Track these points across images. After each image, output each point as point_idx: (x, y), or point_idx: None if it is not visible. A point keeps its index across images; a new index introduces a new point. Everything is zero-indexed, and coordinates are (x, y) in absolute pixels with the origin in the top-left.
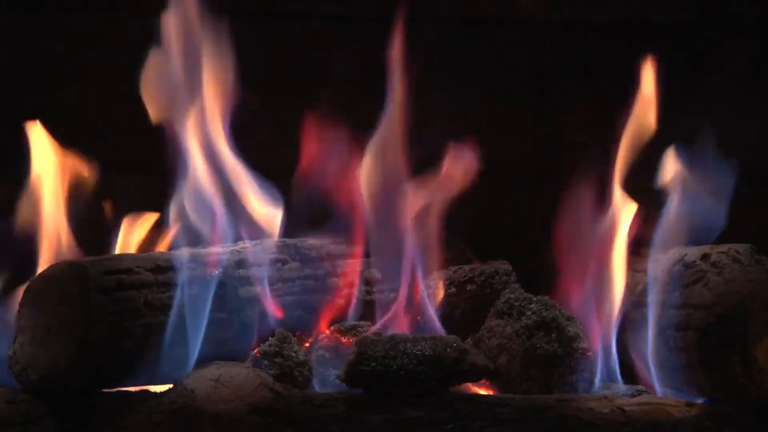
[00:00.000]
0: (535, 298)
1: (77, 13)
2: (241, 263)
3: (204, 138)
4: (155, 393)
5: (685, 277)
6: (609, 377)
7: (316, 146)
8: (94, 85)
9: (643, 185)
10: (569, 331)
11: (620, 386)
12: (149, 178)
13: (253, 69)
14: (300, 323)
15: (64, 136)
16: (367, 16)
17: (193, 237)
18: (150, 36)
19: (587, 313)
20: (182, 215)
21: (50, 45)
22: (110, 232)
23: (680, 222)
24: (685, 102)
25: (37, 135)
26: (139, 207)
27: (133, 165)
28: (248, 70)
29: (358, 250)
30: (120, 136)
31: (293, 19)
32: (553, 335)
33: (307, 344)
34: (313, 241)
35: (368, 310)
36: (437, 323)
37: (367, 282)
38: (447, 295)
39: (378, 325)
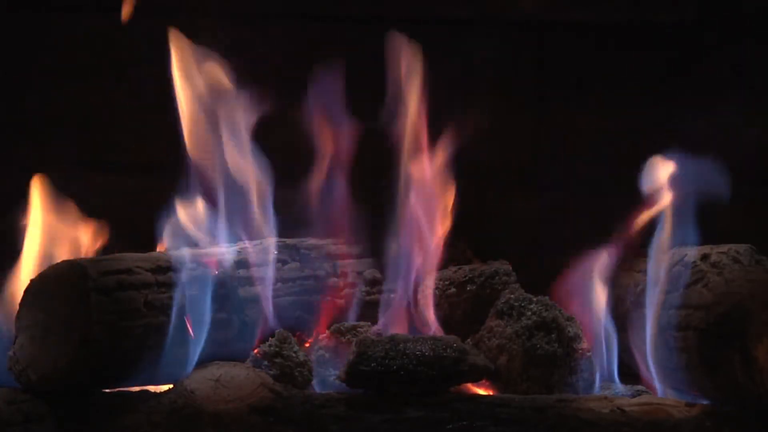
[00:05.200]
0: (535, 299)
1: (76, 13)
2: (241, 263)
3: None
4: (155, 393)
5: (685, 277)
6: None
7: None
8: (93, 86)
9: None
10: (569, 331)
11: (620, 386)
12: (149, 179)
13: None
14: (300, 323)
15: (63, 136)
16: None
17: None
18: (150, 36)
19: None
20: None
21: (50, 45)
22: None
23: (677, 222)
24: (684, 102)
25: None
26: (137, 207)
27: (133, 165)
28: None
29: (359, 250)
30: (119, 136)
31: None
32: (553, 336)
33: (307, 344)
34: (313, 241)
35: (368, 310)
36: (436, 324)
37: (367, 282)
38: (447, 295)
39: (380, 325)
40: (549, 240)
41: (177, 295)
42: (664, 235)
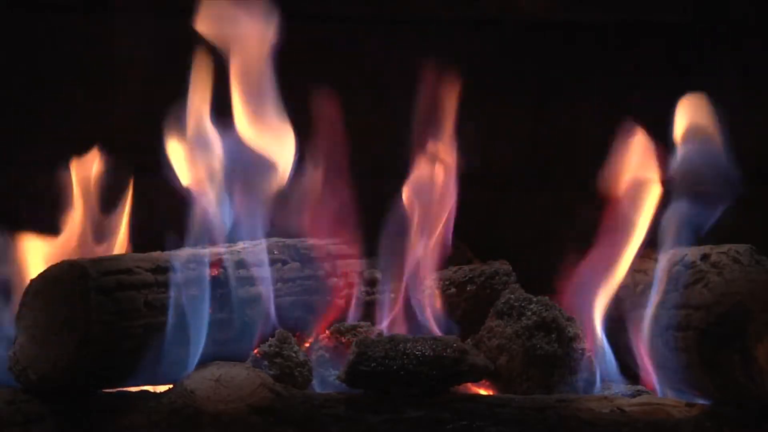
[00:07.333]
0: (535, 299)
1: (76, 14)
2: (241, 263)
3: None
4: (155, 393)
5: (685, 277)
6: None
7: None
8: (93, 86)
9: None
10: (569, 331)
11: (620, 386)
12: (148, 179)
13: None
14: (300, 323)
15: (64, 137)
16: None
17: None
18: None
19: (586, 313)
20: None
21: (50, 45)
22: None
23: (681, 222)
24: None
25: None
26: (139, 207)
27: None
28: None
29: (359, 250)
30: (120, 136)
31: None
32: (553, 336)
33: (307, 344)
34: (313, 242)
35: (368, 310)
36: (434, 324)
37: (368, 282)
38: (447, 296)
39: (381, 327)
40: (549, 240)
41: (176, 295)
42: (669, 234)
